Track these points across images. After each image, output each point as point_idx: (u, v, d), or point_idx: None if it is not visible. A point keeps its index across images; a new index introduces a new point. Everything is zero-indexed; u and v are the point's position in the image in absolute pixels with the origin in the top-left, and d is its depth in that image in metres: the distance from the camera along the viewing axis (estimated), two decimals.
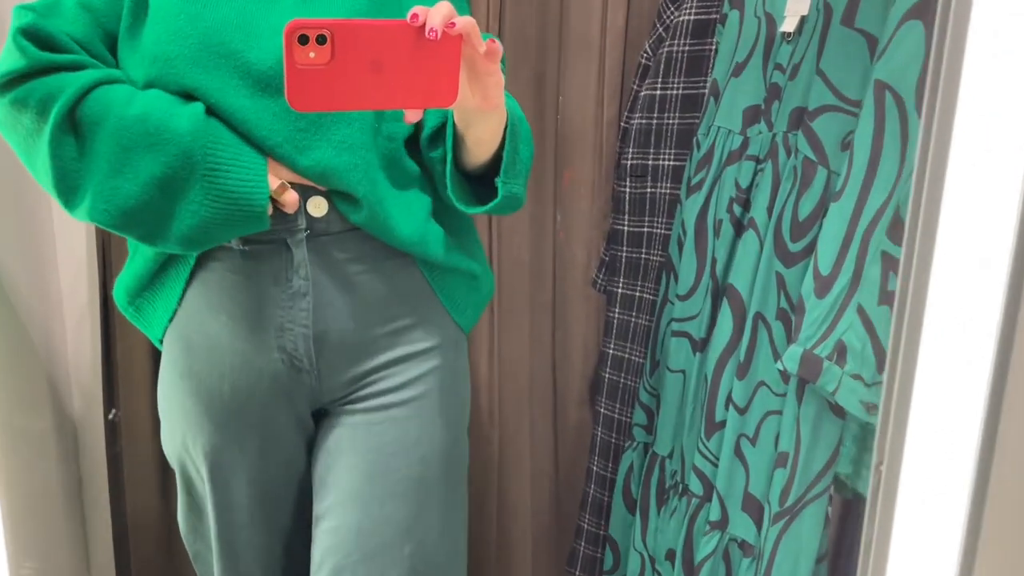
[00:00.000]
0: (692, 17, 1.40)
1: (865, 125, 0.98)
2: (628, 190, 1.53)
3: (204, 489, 1.03)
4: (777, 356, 1.12)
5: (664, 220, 1.48)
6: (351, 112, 0.91)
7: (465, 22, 0.72)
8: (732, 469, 1.18)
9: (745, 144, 1.23)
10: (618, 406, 1.58)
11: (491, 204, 0.93)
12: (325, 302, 0.96)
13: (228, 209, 0.88)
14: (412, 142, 1.00)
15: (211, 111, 0.89)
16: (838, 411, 1.05)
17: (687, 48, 1.42)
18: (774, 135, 1.16)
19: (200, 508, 1.06)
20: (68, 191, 0.89)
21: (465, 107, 0.83)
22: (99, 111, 0.86)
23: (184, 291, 0.99)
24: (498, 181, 0.92)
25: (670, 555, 1.33)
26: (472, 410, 1.15)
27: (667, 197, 1.47)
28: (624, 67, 1.62)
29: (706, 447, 1.22)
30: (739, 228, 1.22)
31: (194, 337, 0.99)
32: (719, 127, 1.29)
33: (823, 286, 1.01)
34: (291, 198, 0.91)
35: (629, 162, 1.52)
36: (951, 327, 0.54)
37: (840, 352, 0.99)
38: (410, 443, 1.01)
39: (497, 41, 0.76)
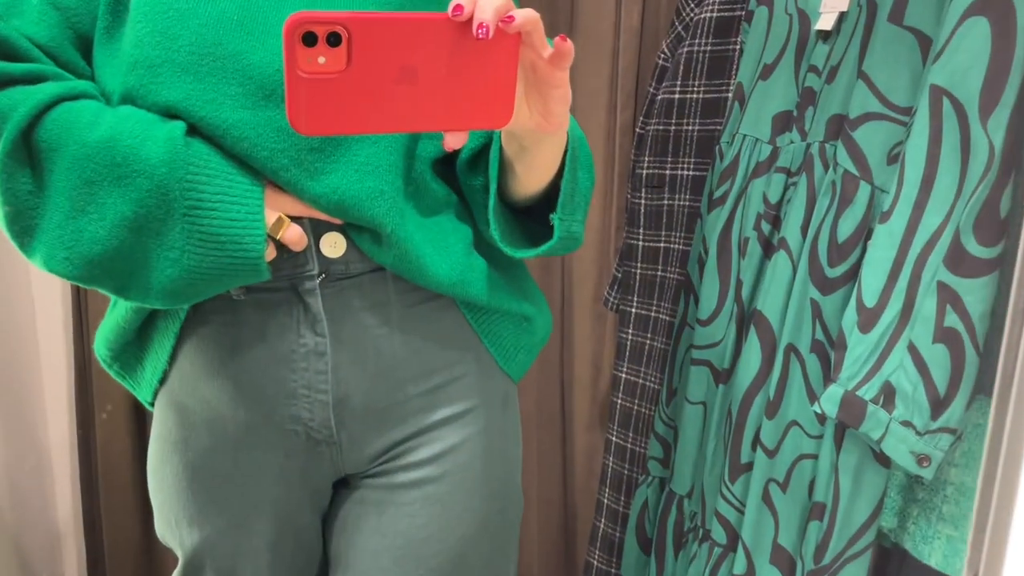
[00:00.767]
0: (715, 14, 1.28)
1: (918, 136, 0.86)
2: (643, 202, 1.41)
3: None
4: (812, 394, 1.00)
5: (683, 235, 1.36)
6: None
7: (526, 16, 0.55)
8: (760, 517, 1.05)
9: (775, 154, 1.11)
10: (631, 435, 1.46)
11: (545, 246, 0.75)
12: (346, 361, 0.79)
13: (215, 256, 0.70)
14: (443, 162, 0.82)
15: (198, 130, 0.71)
16: (883, 459, 0.93)
17: (709, 48, 1.30)
18: (808, 145, 1.04)
19: None
20: (22, 233, 0.71)
21: (521, 128, 0.65)
22: (58, 135, 0.69)
23: (175, 349, 0.81)
24: (554, 217, 0.74)
25: None
26: None
27: (686, 210, 1.36)
28: (639, 69, 1.50)
29: (730, 491, 1.10)
30: (768, 248, 1.10)
31: (189, 404, 0.82)
32: (745, 135, 1.17)
33: (868, 319, 0.89)
34: (294, 235, 0.73)
35: (645, 171, 1.40)
36: None
37: (888, 395, 0.87)
38: (449, 524, 0.84)
39: (568, 40, 0.59)
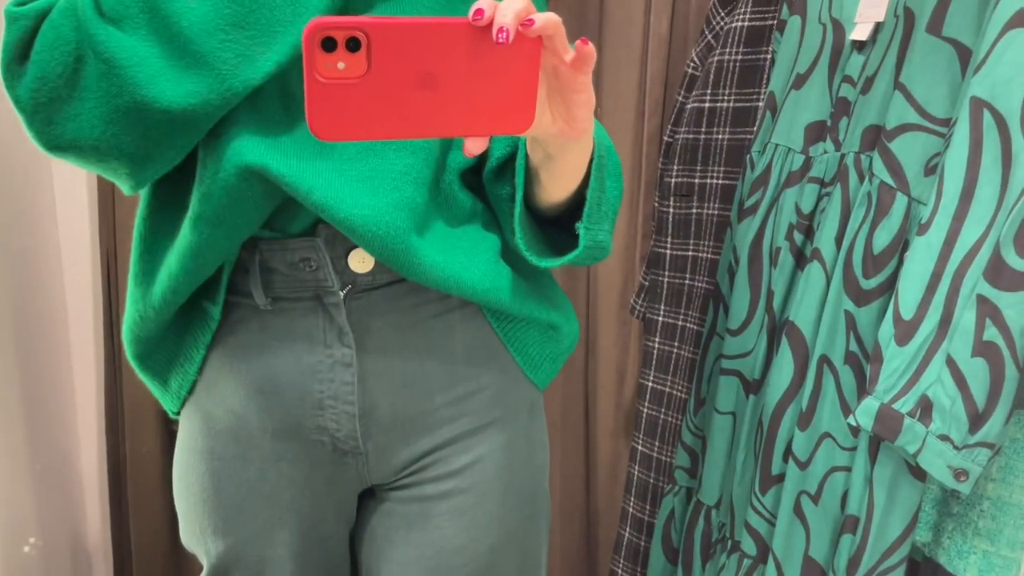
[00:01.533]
0: (746, 23, 1.28)
1: (958, 148, 0.85)
2: (672, 210, 1.40)
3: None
4: (845, 407, 0.99)
5: (711, 244, 1.36)
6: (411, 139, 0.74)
7: (546, 20, 0.54)
8: (791, 529, 1.05)
9: (807, 164, 1.10)
10: (657, 444, 1.45)
11: (570, 255, 0.74)
12: (373, 372, 0.79)
13: None
14: (470, 172, 0.82)
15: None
16: (918, 473, 0.92)
17: (739, 57, 1.29)
18: (843, 156, 1.03)
19: None
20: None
21: (544, 134, 0.64)
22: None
23: (204, 360, 0.82)
24: (580, 227, 0.73)
25: None
26: None
27: (715, 219, 1.35)
28: (667, 77, 1.50)
29: (761, 503, 1.10)
30: (800, 258, 1.09)
31: (215, 413, 0.82)
32: (777, 144, 1.16)
33: (905, 332, 0.88)
34: None
35: (673, 180, 1.39)
36: None
37: (925, 408, 0.86)
38: (478, 534, 0.84)
39: (590, 44, 0.57)
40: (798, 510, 1.04)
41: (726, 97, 1.31)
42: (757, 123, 1.25)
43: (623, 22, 1.49)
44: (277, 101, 0.72)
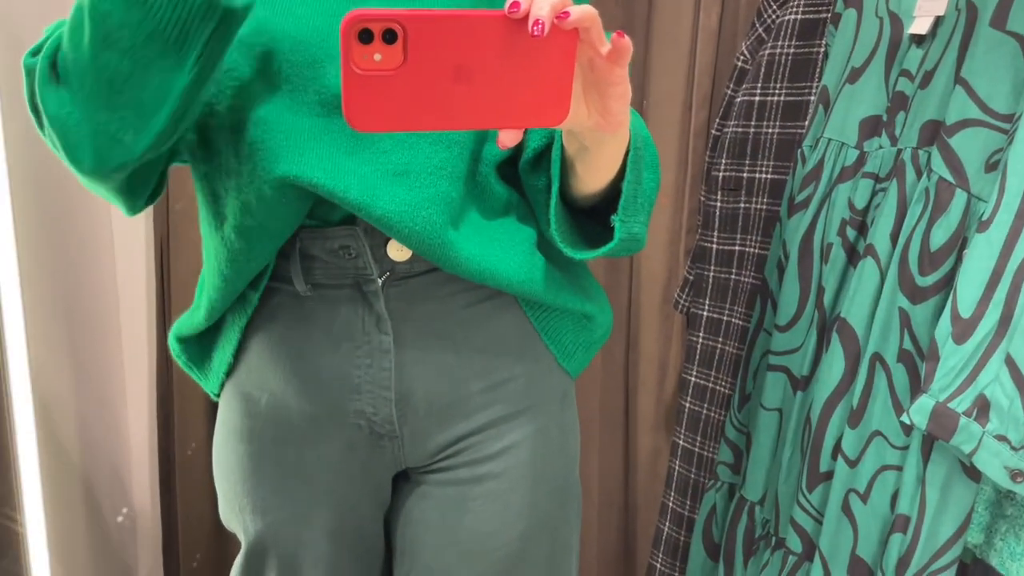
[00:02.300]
0: (799, 16, 1.26)
1: (1021, 144, 0.84)
2: (719, 204, 1.39)
3: (268, 565, 0.89)
4: (898, 405, 0.98)
5: (759, 239, 1.35)
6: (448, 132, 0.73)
7: (582, 12, 0.54)
8: (839, 528, 1.04)
9: (861, 159, 1.09)
10: (699, 439, 1.45)
11: (605, 247, 0.74)
12: (409, 359, 0.80)
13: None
14: (507, 164, 0.82)
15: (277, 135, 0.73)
16: (972, 473, 0.91)
17: (792, 51, 1.28)
18: (899, 151, 1.02)
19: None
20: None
21: (579, 126, 0.64)
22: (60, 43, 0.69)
23: (241, 342, 0.84)
24: (615, 219, 0.73)
25: None
26: None
27: (763, 214, 1.34)
28: (716, 71, 1.49)
29: (807, 500, 1.09)
30: (852, 254, 1.08)
31: (255, 394, 0.84)
32: (829, 139, 1.15)
33: (963, 330, 0.87)
34: None
35: (721, 174, 1.38)
36: None
37: (982, 408, 0.85)
38: (510, 519, 0.85)
39: (626, 36, 0.57)
40: (846, 508, 1.03)
41: (777, 90, 1.30)
42: (808, 117, 1.24)
43: (672, 15, 1.48)
44: (310, 105, 0.73)
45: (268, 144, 0.73)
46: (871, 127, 1.09)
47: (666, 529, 1.51)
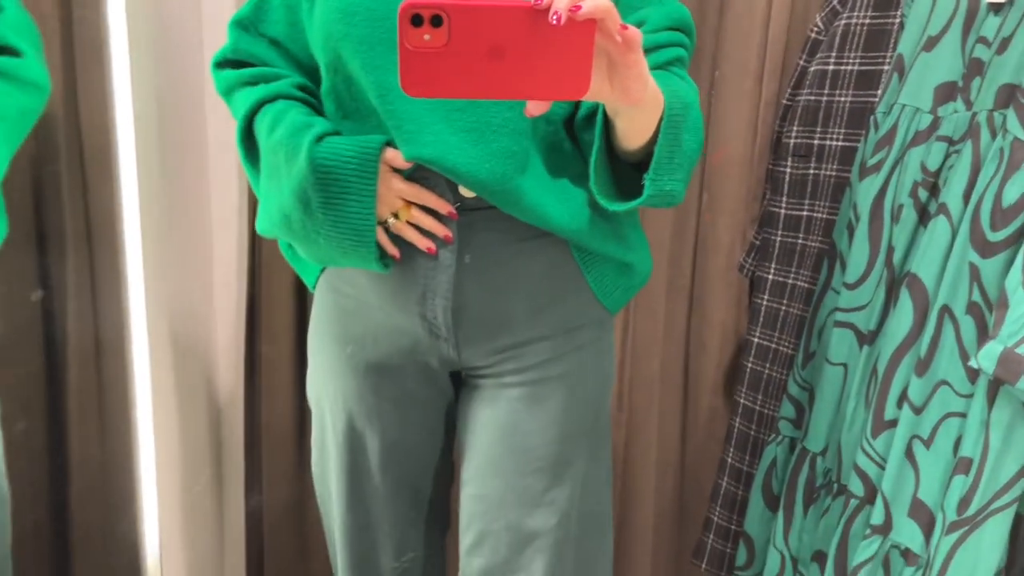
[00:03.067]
0: None
1: None
2: (788, 170, 1.44)
3: (337, 435, 1.05)
4: (964, 355, 1.03)
5: (827, 204, 1.40)
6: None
7: (595, 6, 0.63)
8: (901, 472, 1.09)
9: (935, 124, 1.14)
10: (760, 397, 1.51)
11: (635, 201, 0.85)
12: (468, 277, 0.94)
13: (340, 238, 0.89)
14: (572, 121, 0.94)
15: (369, 93, 0.88)
16: None
17: (868, 21, 1.32)
18: (974, 114, 1.07)
19: (329, 450, 1.08)
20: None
21: (604, 100, 0.75)
22: (257, 132, 0.94)
23: None
24: (647, 177, 0.84)
25: (818, 556, 1.26)
26: None
27: (832, 180, 1.39)
28: (787, 42, 1.53)
29: (871, 446, 1.14)
30: (924, 215, 1.13)
31: (344, 288, 1.01)
32: (904, 105, 1.20)
33: None
34: (418, 218, 0.91)
35: (792, 141, 1.43)
36: None
37: None
38: (549, 421, 0.99)
39: (633, 28, 0.68)
40: (910, 454, 1.09)
41: (851, 60, 1.34)
42: (882, 86, 1.28)
43: None
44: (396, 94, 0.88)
45: (372, 108, 0.90)
46: (946, 93, 1.13)
47: (724, 483, 1.57)
